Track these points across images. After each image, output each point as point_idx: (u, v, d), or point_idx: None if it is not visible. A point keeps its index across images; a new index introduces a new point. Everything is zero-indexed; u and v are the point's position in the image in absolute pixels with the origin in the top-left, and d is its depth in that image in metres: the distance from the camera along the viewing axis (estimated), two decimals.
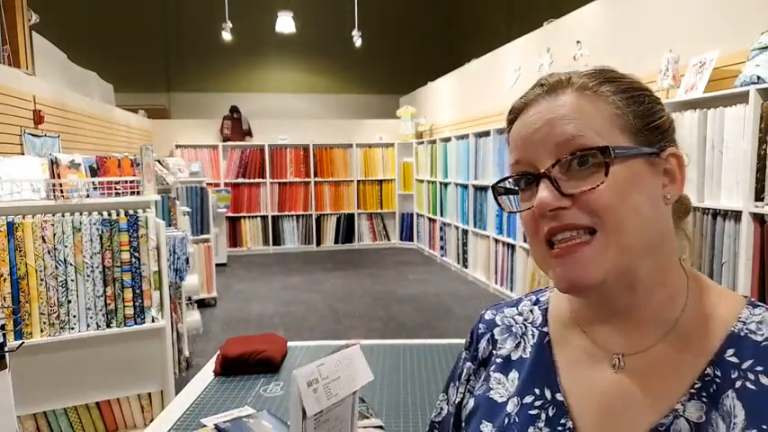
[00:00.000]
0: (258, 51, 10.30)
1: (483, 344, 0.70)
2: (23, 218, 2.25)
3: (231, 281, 6.54)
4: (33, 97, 4.10)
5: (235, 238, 8.44)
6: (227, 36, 8.15)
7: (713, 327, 0.56)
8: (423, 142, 8.16)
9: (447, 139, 7.04)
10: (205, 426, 1.35)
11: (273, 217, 8.61)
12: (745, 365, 0.53)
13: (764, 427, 0.50)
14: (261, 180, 8.50)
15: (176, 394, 1.73)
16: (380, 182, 8.93)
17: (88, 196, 2.45)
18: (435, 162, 7.51)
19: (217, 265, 5.82)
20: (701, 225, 2.85)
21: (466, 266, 6.59)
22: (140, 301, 2.46)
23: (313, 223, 8.75)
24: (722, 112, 2.73)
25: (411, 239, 8.80)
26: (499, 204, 0.62)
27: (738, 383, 0.52)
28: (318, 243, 8.77)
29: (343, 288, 6.14)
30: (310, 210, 8.71)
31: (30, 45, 4.33)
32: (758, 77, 2.55)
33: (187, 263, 3.18)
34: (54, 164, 2.41)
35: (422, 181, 8.19)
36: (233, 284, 6.36)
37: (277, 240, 8.66)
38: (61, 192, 2.38)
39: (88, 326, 2.36)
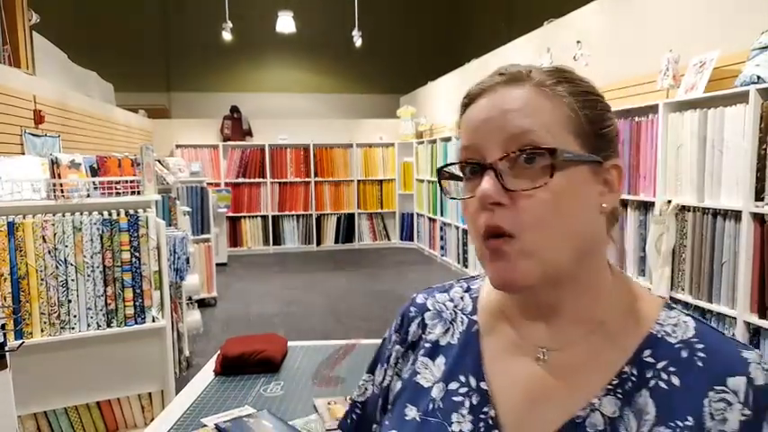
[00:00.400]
0: (258, 51, 10.29)
1: (413, 327, 0.70)
2: (24, 218, 2.26)
3: (231, 280, 6.54)
4: (33, 97, 4.10)
5: (235, 238, 8.44)
6: (227, 36, 8.15)
7: (634, 327, 0.58)
8: (423, 142, 8.15)
9: (447, 139, 7.03)
10: (205, 425, 1.35)
11: (274, 217, 8.61)
12: (659, 366, 0.56)
13: (672, 424, 0.52)
14: (261, 180, 8.50)
15: (176, 394, 1.73)
16: (380, 182, 8.93)
17: (88, 196, 2.45)
18: (435, 162, 7.50)
19: (217, 264, 5.82)
20: (701, 225, 2.86)
21: (466, 266, 6.59)
22: (141, 300, 2.46)
23: (313, 223, 8.75)
24: (722, 112, 2.73)
25: (411, 239, 8.80)
26: (442, 189, 0.62)
27: (652, 383, 0.55)
28: (318, 243, 8.77)
29: (343, 288, 6.14)
30: (310, 210, 8.71)
31: (30, 45, 4.33)
32: (758, 77, 2.55)
33: (187, 263, 3.18)
34: (54, 164, 2.42)
35: (422, 181, 8.19)
36: (233, 284, 6.36)
37: (277, 240, 8.66)
38: (62, 191, 2.38)
39: (88, 326, 2.36)
